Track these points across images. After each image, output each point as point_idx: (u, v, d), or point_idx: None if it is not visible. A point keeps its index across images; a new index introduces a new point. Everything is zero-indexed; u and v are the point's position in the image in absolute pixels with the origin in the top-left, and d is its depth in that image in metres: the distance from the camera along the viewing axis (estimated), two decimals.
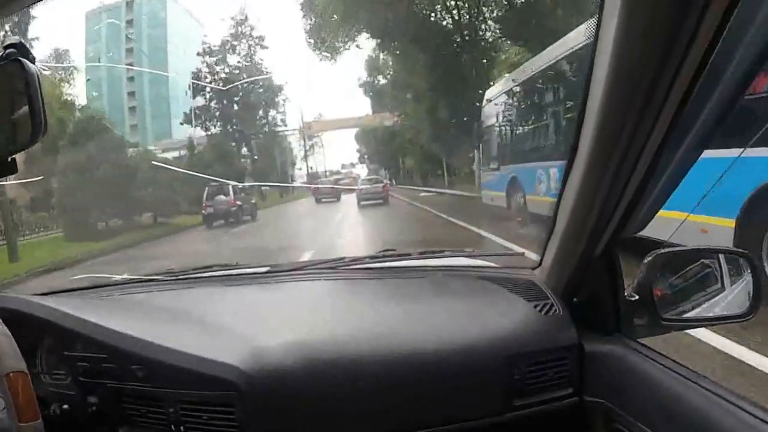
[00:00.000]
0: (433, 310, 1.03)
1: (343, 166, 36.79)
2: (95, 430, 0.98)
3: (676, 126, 0.68)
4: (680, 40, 0.58)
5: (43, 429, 0.79)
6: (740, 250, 0.95)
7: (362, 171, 35.52)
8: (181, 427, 0.90)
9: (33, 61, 0.65)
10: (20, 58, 0.63)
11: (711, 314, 0.94)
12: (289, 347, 0.89)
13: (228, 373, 0.86)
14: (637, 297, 0.90)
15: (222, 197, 12.87)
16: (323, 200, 18.00)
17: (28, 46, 0.66)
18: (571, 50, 6.01)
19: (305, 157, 33.89)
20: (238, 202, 13.35)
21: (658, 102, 0.65)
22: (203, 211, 13.30)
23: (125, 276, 1.42)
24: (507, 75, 9.69)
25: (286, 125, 28.35)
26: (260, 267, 1.39)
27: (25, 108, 0.64)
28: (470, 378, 0.89)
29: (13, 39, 0.66)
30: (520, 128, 8.53)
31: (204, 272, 1.43)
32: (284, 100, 28.54)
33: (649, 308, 0.88)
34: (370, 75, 29.39)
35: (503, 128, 9.13)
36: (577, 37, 5.82)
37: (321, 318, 1.03)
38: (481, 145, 10.62)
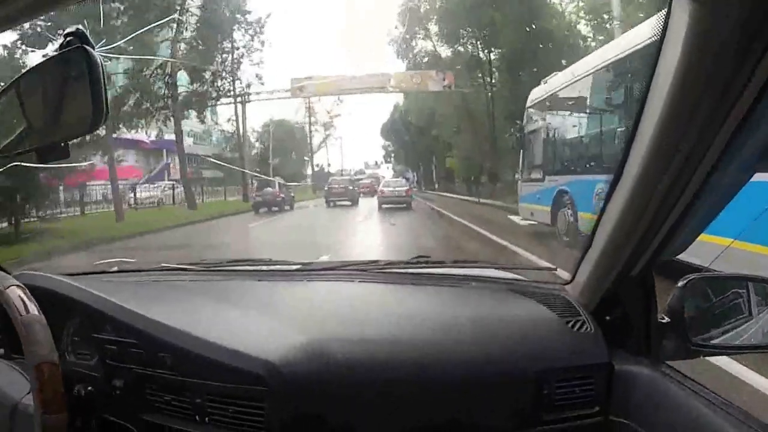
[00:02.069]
0: (465, 319, 1.12)
1: (367, 165, 36.44)
2: (118, 413, 1.09)
3: (732, 145, 0.74)
4: (751, 53, 0.64)
5: (67, 420, 0.90)
6: None
7: (387, 172, 35.23)
8: (207, 419, 1.00)
9: (93, 47, 0.75)
10: (84, 46, 0.74)
11: (739, 342, 1.02)
12: (322, 346, 0.98)
13: (260, 368, 0.94)
14: (668, 320, 0.99)
15: (269, 189, 18.87)
16: (338, 203, 19.91)
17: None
18: (647, 42, 5.79)
19: (311, 150, 29.57)
20: (282, 195, 18.89)
21: (719, 119, 0.71)
22: (252, 200, 18.97)
23: (156, 263, 1.58)
24: (555, 73, 9.17)
25: (262, 83, 21.26)
26: (293, 264, 1.55)
27: (85, 94, 0.74)
28: (501, 390, 0.99)
29: (73, 27, 0.76)
30: (575, 134, 8.49)
31: (236, 265, 1.60)
32: (262, 43, 20.45)
33: (679, 332, 0.98)
34: (408, 29, 22.52)
35: (553, 133, 9.10)
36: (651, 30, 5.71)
37: (353, 320, 1.14)
38: (523, 151, 10.63)
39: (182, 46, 18.97)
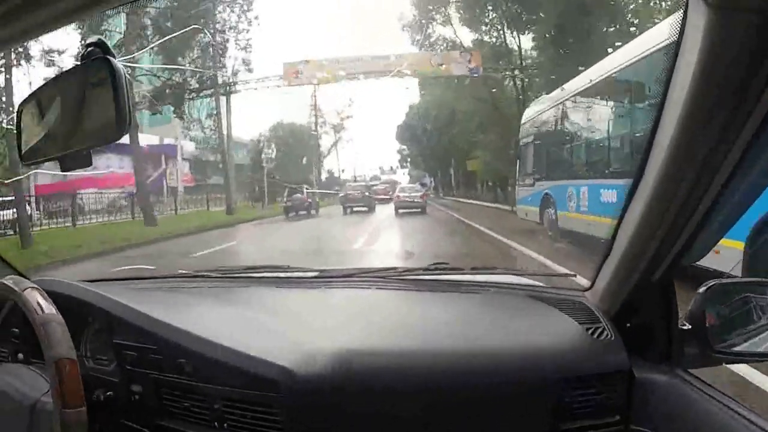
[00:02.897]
0: (484, 327, 1.17)
1: (382, 171, 36.63)
2: (136, 418, 1.15)
3: (752, 149, 0.76)
4: None
5: (86, 416, 0.95)
6: None
7: (404, 178, 35.23)
8: (225, 424, 1.05)
9: (114, 57, 0.81)
10: (106, 56, 0.80)
11: (762, 349, 1.04)
12: (339, 354, 1.02)
13: (277, 374, 1.00)
14: (689, 326, 1.02)
15: (298, 195, 22.02)
16: (354, 209, 21.67)
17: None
18: (612, 72, 7.55)
19: (319, 154, 28.53)
20: (309, 200, 22.21)
21: (738, 123, 0.73)
22: (284, 204, 21.96)
23: (175, 270, 1.67)
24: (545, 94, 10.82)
25: (250, 69, 18.61)
26: (310, 271, 1.62)
27: (108, 103, 0.80)
28: (519, 397, 1.02)
29: (94, 38, 0.83)
30: (557, 147, 10.43)
31: (254, 272, 1.67)
32: (250, 23, 18.27)
33: (701, 339, 1.00)
34: (423, 13, 20.40)
35: (539, 147, 11.29)
36: (622, 57, 7.33)
37: (371, 327, 1.19)
38: (519, 160, 12.69)
39: (147, 21, 15.25)
